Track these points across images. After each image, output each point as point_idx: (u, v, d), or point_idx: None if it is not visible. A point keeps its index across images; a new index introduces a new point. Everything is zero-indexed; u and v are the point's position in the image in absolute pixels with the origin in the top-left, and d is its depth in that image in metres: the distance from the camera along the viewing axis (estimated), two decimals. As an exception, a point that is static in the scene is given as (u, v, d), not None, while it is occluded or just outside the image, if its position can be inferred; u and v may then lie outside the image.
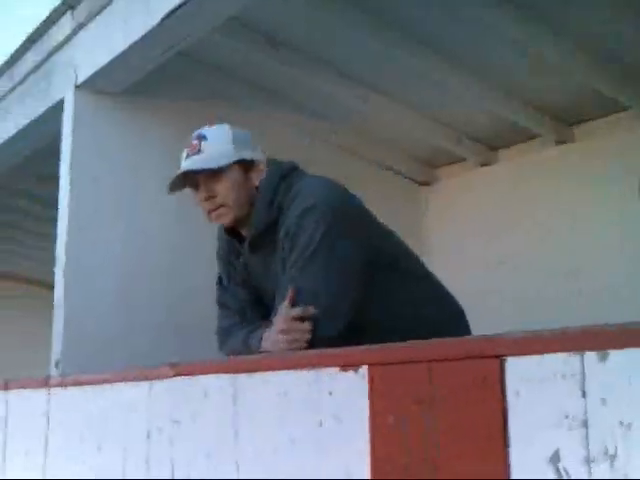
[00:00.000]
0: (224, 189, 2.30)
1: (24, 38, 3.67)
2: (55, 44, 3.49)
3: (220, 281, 2.53)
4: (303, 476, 1.56)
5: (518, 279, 4.09)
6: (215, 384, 1.82)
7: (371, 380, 1.45)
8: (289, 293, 2.11)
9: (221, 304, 2.49)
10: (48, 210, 4.43)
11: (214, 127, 2.38)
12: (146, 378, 2.08)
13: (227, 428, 1.76)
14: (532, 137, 4.19)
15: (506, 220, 4.23)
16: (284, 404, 1.64)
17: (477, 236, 4.36)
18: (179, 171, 2.32)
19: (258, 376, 1.72)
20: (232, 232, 2.44)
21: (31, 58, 3.73)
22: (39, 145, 4.03)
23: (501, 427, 1.21)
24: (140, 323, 3.18)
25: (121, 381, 2.21)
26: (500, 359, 1.23)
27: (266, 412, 1.69)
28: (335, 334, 2.06)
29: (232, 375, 1.78)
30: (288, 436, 1.61)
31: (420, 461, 1.33)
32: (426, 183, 4.75)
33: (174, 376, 1.96)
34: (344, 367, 1.52)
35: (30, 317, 7.22)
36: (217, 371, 1.83)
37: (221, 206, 2.31)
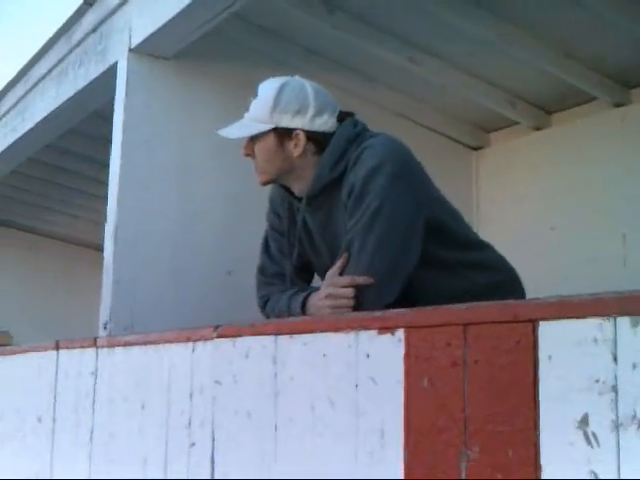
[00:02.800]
0: (257, 153, 2.30)
1: (81, 1, 3.71)
2: (111, 7, 3.52)
3: (267, 247, 2.52)
4: (340, 436, 1.58)
5: (569, 245, 4.04)
6: (256, 345, 1.85)
7: (407, 343, 1.46)
8: (341, 259, 2.11)
9: (264, 269, 2.48)
10: (100, 172, 4.51)
11: (270, 82, 2.31)
12: (189, 339, 2.11)
13: (267, 388, 1.78)
14: (588, 100, 4.10)
15: (559, 185, 4.17)
16: (323, 366, 1.66)
17: (529, 201, 4.31)
18: (220, 132, 2.35)
19: (298, 338, 1.74)
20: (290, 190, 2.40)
21: (88, 21, 3.77)
22: (95, 108, 4.08)
23: (532, 390, 1.21)
24: (190, 286, 3.22)
25: (165, 342, 2.25)
26: (534, 323, 1.23)
27: (305, 373, 1.71)
28: (382, 307, 2.02)
29: (273, 336, 1.80)
30: (326, 397, 1.63)
31: (453, 422, 1.34)
32: (478, 147, 4.69)
33: (216, 338, 1.99)
34: (381, 330, 1.53)
35: (80, 278, 7.35)
36: (258, 333, 1.86)
37: (256, 167, 2.32)
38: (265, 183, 2.35)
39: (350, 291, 2.05)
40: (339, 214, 2.22)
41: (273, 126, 2.25)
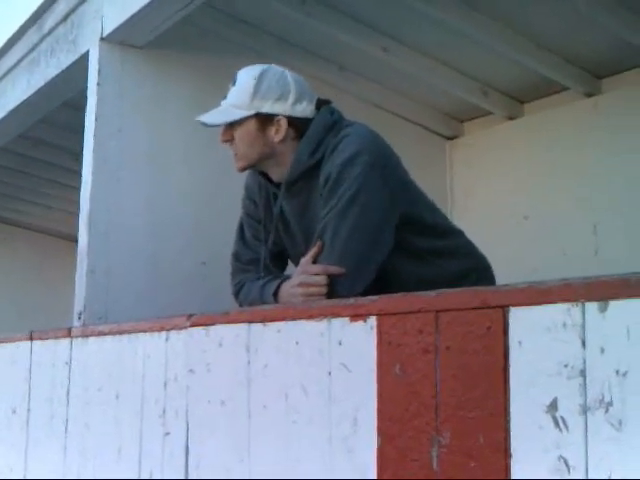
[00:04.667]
0: (238, 139, 2.30)
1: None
2: (83, -5, 3.50)
3: (242, 234, 2.53)
4: (313, 422, 1.59)
5: (542, 234, 4.07)
6: (229, 334, 1.85)
7: (379, 330, 1.47)
8: (314, 248, 2.12)
9: (239, 256, 2.49)
10: (73, 162, 4.48)
11: (248, 69, 2.32)
12: (162, 329, 2.11)
13: (240, 376, 1.79)
14: (560, 90, 4.13)
15: (532, 175, 4.20)
16: (296, 353, 1.67)
17: (502, 190, 4.34)
18: (199, 119, 2.33)
19: (271, 326, 1.74)
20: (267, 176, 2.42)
21: (59, 9, 3.73)
22: (67, 97, 4.05)
23: (503, 375, 1.22)
24: (164, 277, 3.21)
25: (139, 331, 2.25)
26: (504, 309, 1.25)
27: (278, 361, 1.72)
28: (354, 294, 2.01)
29: (246, 325, 1.80)
30: (299, 385, 1.64)
31: (424, 408, 1.35)
32: (452, 137, 4.70)
33: (190, 327, 1.99)
34: (354, 317, 1.54)
35: (54, 269, 7.31)
36: (231, 321, 1.86)
37: (235, 153, 2.32)
38: (244, 169, 2.36)
39: (322, 279, 2.06)
40: (316, 201, 2.23)
41: (254, 112, 2.26)
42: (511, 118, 4.38)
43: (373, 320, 1.49)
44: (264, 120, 2.27)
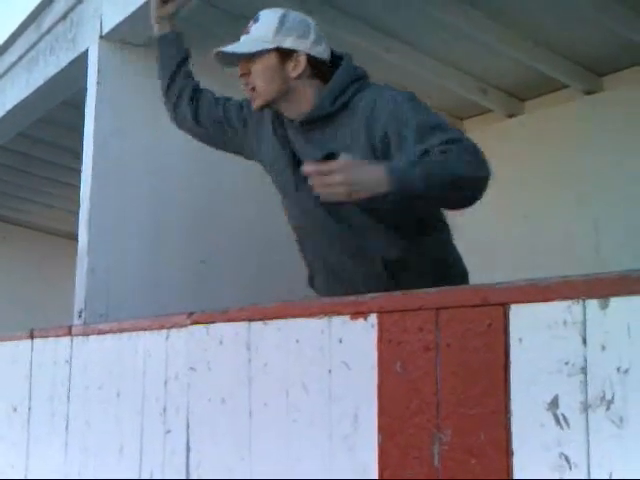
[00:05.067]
0: (255, 72, 2.30)
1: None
2: (82, -7, 3.50)
3: (229, 99, 2.61)
4: (314, 420, 1.59)
5: (542, 232, 4.07)
6: (229, 332, 1.85)
7: (379, 328, 1.47)
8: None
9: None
10: (73, 161, 4.47)
11: (272, 9, 2.35)
12: (163, 327, 2.11)
13: (241, 374, 1.79)
14: (560, 87, 4.13)
15: (532, 172, 4.20)
16: (296, 351, 1.67)
17: (502, 189, 4.32)
18: (217, 50, 2.34)
19: (271, 324, 1.74)
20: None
21: (58, 8, 3.73)
22: (67, 96, 4.05)
23: (503, 373, 1.22)
24: (164, 275, 3.22)
25: (139, 330, 2.25)
26: (504, 306, 1.25)
27: (279, 359, 1.72)
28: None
29: (246, 323, 1.80)
30: (300, 382, 1.64)
31: (425, 405, 1.35)
32: (452, 135, 4.70)
33: (190, 324, 1.99)
34: (354, 315, 1.54)
35: (54, 267, 7.31)
36: (231, 319, 1.86)
37: (252, 89, 2.32)
38: (262, 106, 2.36)
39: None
40: (328, 145, 2.25)
41: (276, 46, 2.28)
42: (511, 116, 4.38)
43: (374, 318, 1.49)
44: (284, 55, 2.29)
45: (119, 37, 3.27)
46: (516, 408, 1.20)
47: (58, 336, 2.74)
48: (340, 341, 1.56)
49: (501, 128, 4.42)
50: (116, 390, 2.33)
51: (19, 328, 3.24)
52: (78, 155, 3.34)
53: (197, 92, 2.65)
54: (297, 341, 1.66)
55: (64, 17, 3.66)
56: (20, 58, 4.16)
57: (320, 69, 2.33)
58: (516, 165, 4.26)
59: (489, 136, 4.44)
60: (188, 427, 1.97)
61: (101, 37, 3.27)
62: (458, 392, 1.30)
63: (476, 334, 1.28)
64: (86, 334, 2.59)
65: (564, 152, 4.09)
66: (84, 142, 3.24)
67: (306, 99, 2.31)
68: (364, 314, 1.51)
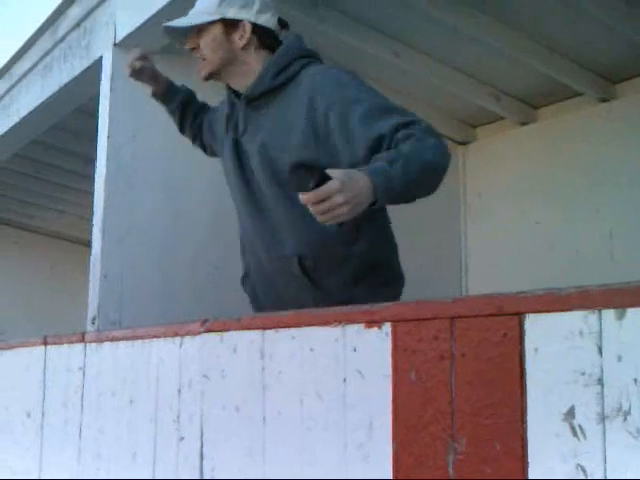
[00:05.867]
0: (203, 44, 2.32)
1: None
2: (95, 1, 3.51)
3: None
4: (328, 429, 1.59)
5: (555, 239, 4.06)
6: (243, 340, 1.85)
7: (394, 336, 1.47)
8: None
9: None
10: (86, 167, 4.49)
11: None
12: (176, 334, 2.11)
13: (255, 382, 1.79)
14: (574, 95, 4.12)
15: (545, 180, 4.19)
16: (310, 360, 1.66)
17: (515, 196, 4.33)
18: (164, 24, 2.38)
19: (286, 332, 1.74)
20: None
21: (72, 15, 3.75)
22: (80, 103, 4.06)
23: (519, 383, 1.22)
24: (177, 281, 3.22)
25: (152, 337, 2.25)
26: (520, 316, 1.24)
27: (293, 367, 1.71)
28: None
29: (260, 331, 1.80)
30: (314, 391, 1.64)
31: (440, 415, 1.35)
32: (464, 142, 4.70)
33: (204, 332, 1.99)
34: (369, 324, 1.53)
35: (66, 273, 7.33)
36: (245, 327, 1.86)
37: (202, 59, 2.34)
38: (208, 75, 2.38)
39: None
40: (276, 121, 2.26)
41: (220, 17, 2.30)
42: (524, 123, 4.37)
43: (388, 327, 1.49)
44: (229, 26, 2.31)
45: (133, 44, 3.27)
46: (532, 418, 1.20)
47: (71, 343, 2.74)
48: (354, 350, 1.56)
49: (514, 136, 4.41)
50: (129, 397, 2.33)
51: (32, 333, 3.25)
52: (91, 161, 3.35)
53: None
54: (311, 349, 1.66)
55: (78, 25, 3.68)
56: (34, 65, 4.18)
57: (267, 40, 2.35)
58: (529, 173, 4.26)
59: (502, 144, 4.45)
60: (202, 434, 1.97)
61: (115, 44, 3.29)
62: (473, 401, 1.30)
63: (491, 344, 1.28)
64: (99, 341, 2.59)
65: (578, 160, 4.08)
66: (98, 149, 3.25)
67: (253, 71, 2.33)
68: (378, 323, 1.51)
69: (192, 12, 2.36)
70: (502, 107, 4.28)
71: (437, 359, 1.37)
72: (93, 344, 2.61)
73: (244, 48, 2.31)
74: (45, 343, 2.95)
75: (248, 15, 2.31)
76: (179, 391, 2.08)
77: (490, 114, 4.44)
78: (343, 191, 1.74)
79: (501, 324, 1.27)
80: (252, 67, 2.32)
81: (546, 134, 4.27)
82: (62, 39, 3.86)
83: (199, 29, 2.32)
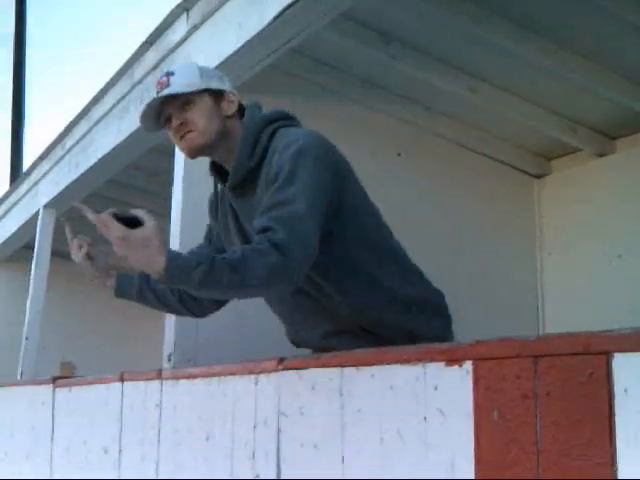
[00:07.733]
0: (194, 116, 2.29)
1: (143, 40, 3.78)
2: (172, 45, 3.57)
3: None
4: (409, 469, 1.56)
5: (637, 273, 3.96)
6: (322, 377, 1.84)
7: (475, 375, 1.44)
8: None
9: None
10: (161, 206, 4.55)
11: (184, 63, 2.40)
12: (252, 372, 2.11)
13: (334, 420, 1.77)
14: (653, 125, 4.06)
15: (625, 212, 4.10)
16: (390, 398, 1.65)
17: (594, 229, 4.25)
18: (149, 100, 2.34)
19: (365, 370, 1.73)
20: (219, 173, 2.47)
21: (149, 59, 3.83)
22: (156, 142, 4.13)
23: (607, 424, 1.18)
24: (251, 318, 3.22)
25: (228, 374, 2.26)
26: (607, 355, 1.21)
27: (373, 406, 1.70)
28: (301, 257, 2.01)
29: (339, 369, 1.79)
30: (394, 430, 1.62)
31: (525, 455, 1.31)
32: (540, 175, 4.64)
33: (282, 370, 1.99)
34: (449, 362, 1.51)
35: (140, 309, 7.40)
36: (324, 365, 1.85)
37: (190, 131, 2.30)
38: (199, 148, 2.35)
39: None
40: (259, 197, 2.24)
41: (207, 87, 2.33)
42: (601, 155, 4.30)
43: (469, 365, 1.46)
44: (216, 95, 2.34)
45: (209, 83, 3.32)
46: (622, 461, 1.16)
47: (148, 379, 2.76)
48: (435, 388, 1.54)
49: (591, 167, 4.34)
50: (205, 434, 2.33)
51: (106, 370, 3.29)
52: (165, 200, 3.39)
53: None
54: (391, 387, 1.64)
55: (155, 67, 3.75)
56: (112, 107, 4.27)
57: (241, 109, 2.38)
58: (608, 205, 4.18)
59: (579, 176, 4.38)
60: (279, 472, 1.96)
61: (192, 84, 3.34)
62: (560, 442, 1.26)
63: (577, 383, 1.24)
64: (176, 378, 2.61)
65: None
66: (174, 187, 3.30)
67: (237, 144, 2.33)
68: (459, 361, 1.48)
69: (169, 90, 2.30)
70: (579, 139, 4.22)
71: (520, 398, 1.34)
72: (170, 381, 2.63)
73: (231, 117, 2.35)
74: (122, 379, 2.98)
75: (226, 87, 2.38)
76: (254, 428, 2.08)
77: (565, 146, 4.38)
78: (123, 245, 2.16)
79: (587, 363, 1.24)
80: (236, 140, 2.34)
81: (625, 165, 4.19)
82: (139, 82, 3.94)
83: (185, 102, 2.29)
